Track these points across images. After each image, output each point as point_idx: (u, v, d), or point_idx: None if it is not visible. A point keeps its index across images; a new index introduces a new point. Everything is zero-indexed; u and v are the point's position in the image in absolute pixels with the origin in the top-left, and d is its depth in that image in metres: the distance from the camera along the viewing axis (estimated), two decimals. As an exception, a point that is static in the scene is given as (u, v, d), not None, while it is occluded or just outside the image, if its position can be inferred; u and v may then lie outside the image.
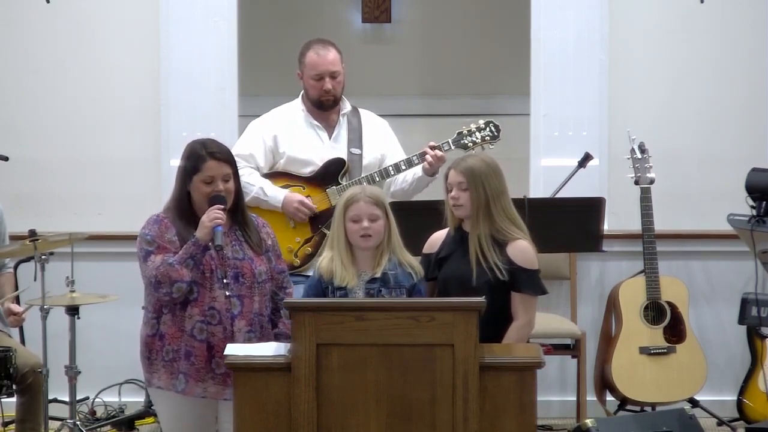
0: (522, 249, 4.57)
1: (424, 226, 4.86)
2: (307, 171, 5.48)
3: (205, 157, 4.46)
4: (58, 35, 6.58)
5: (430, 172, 5.41)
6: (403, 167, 5.44)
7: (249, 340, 4.43)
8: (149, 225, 4.50)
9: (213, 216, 4.40)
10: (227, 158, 4.50)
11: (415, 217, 5.02)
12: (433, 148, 5.39)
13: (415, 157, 5.43)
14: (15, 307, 5.50)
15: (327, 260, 4.64)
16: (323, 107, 5.51)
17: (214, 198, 4.45)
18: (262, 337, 4.48)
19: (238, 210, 4.55)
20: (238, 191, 4.55)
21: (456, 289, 4.56)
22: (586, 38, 6.49)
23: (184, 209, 4.49)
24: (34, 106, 6.61)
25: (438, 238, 4.76)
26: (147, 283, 4.43)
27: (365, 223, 4.58)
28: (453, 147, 5.43)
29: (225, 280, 4.43)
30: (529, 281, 4.56)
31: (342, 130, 5.54)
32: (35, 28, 6.57)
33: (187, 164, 4.49)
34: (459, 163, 4.65)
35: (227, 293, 4.42)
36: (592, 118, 6.50)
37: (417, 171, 5.46)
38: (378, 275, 4.60)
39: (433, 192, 5.36)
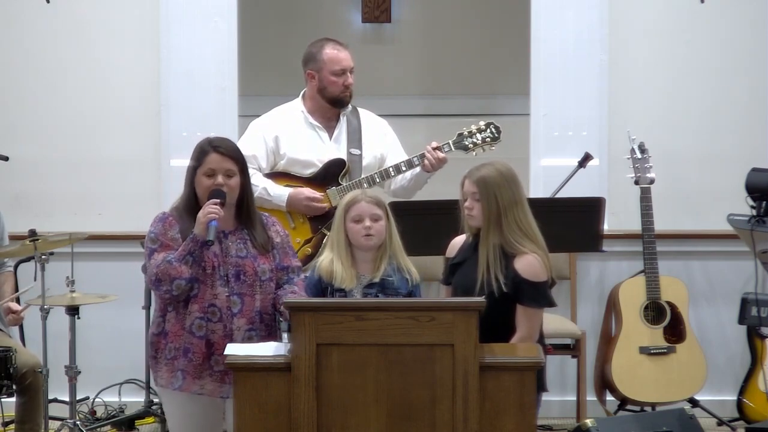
0: (528, 262, 4.51)
1: (438, 226, 4.86)
2: (307, 172, 5.47)
3: (208, 151, 4.46)
4: (58, 35, 6.57)
5: (428, 170, 5.40)
6: (404, 168, 5.43)
7: (250, 339, 4.42)
8: (154, 223, 4.50)
9: (207, 211, 4.37)
10: (232, 154, 4.48)
11: (427, 216, 5.02)
12: (435, 148, 5.38)
13: (415, 158, 5.41)
14: (14, 306, 5.51)
15: (327, 261, 4.63)
16: (342, 104, 5.48)
17: (213, 192, 4.42)
18: (267, 336, 4.46)
19: (243, 208, 4.53)
20: (245, 188, 4.52)
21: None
22: (586, 38, 6.48)
23: (191, 207, 4.47)
24: (34, 106, 6.60)
25: (458, 242, 4.73)
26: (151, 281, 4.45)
27: (367, 223, 4.58)
28: (453, 148, 5.42)
29: (227, 278, 4.43)
30: (532, 293, 4.52)
31: (342, 130, 5.53)
32: (35, 28, 6.56)
33: (194, 160, 4.49)
34: (473, 173, 4.58)
35: (227, 291, 4.42)
36: (592, 118, 6.49)
37: (416, 168, 5.46)
38: (377, 280, 4.60)
39: (441, 192, 5.36)
